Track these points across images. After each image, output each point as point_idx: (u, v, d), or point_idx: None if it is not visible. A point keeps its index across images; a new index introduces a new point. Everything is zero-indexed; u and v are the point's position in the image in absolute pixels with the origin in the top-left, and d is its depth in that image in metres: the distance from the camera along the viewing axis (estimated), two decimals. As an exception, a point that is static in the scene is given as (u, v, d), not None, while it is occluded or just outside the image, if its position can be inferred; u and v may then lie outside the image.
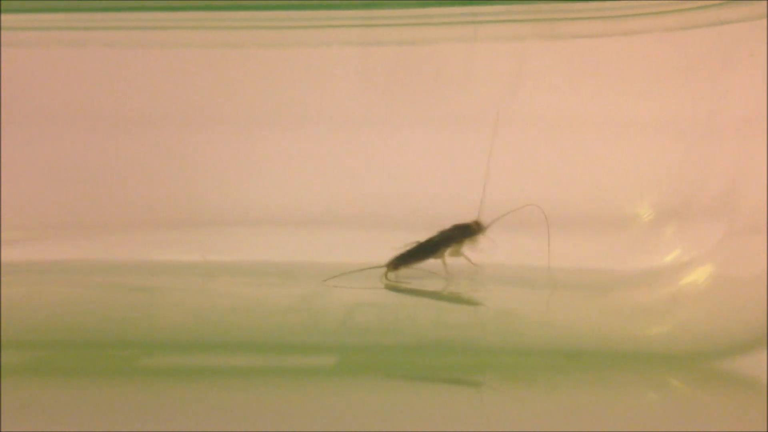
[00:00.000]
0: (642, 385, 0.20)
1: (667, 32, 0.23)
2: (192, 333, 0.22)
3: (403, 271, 0.24)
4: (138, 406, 0.19)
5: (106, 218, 0.25)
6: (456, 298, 0.24)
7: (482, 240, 0.25)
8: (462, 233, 0.24)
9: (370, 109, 0.25)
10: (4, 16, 0.23)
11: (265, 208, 0.26)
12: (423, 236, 0.24)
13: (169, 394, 0.19)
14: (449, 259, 0.24)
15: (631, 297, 0.23)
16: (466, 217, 0.24)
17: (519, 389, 0.19)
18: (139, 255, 0.25)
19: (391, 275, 0.24)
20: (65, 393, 0.19)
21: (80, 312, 0.22)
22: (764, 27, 0.22)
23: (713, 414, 0.19)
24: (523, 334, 0.21)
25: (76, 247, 0.24)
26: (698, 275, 0.22)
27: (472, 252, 0.24)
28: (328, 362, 0.20)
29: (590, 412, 0.18)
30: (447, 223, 0.24)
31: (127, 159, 0.26)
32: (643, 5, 0.23)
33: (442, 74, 0.25)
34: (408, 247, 0.24)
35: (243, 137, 0.26)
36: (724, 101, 0.23)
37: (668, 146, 0.24)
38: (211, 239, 0.25)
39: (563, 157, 0.24)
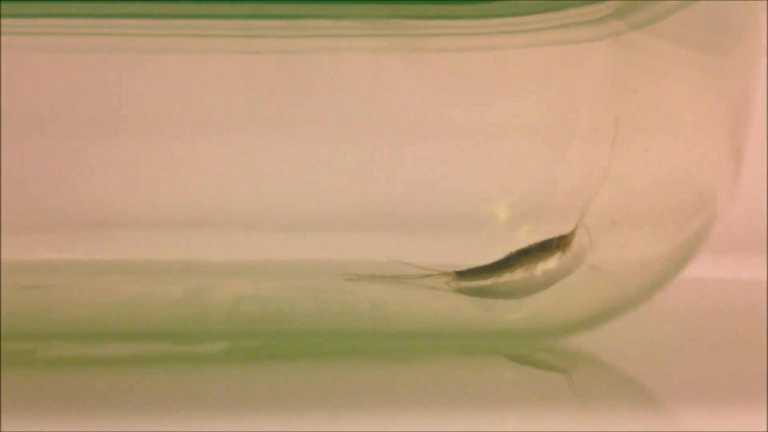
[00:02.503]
0: (498, 362, 0.24)
1: (522, 49, 0.27)
2: (86, 326, 0.24)
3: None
4: (39, 396, 0.21)
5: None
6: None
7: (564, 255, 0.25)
8: (539, 250, 0.26)
9: (252, 114, 0.27)
10: None
11: (149, 209, 0.28)
12: (302, 235, 0.27)
13: (68, 383, 0.22)
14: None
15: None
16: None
17: (389, 368, 0.23)
18: (26, 255, 0.27)
19: (455, 284, 0.26)
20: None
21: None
22: (607, 47, 0.26)
23: (561, 385, 0.23)
24: (394, 321, 0.25)
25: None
26: (549, 268, 0.26)
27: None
28: (219, 349, 0.24)
29: (453, 387, 0.22)
30: (328, 223, 0.27)
31: (13, 162, 0.27)
32: (500, 24, 0.27)
33: (316, 82, 0.28)
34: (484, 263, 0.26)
35: (127, 141, 0.28)
36: (573, 112, 0.27)
37: (523, 152, 0.27)
38: (96, 240, 0.27)
39: (427, 161, 0.27)
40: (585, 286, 0.25)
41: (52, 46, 0.26)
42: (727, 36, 0.27)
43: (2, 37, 0.26)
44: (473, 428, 0.20)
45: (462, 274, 0.26)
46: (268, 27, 0.27)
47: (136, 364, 0.23)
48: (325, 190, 0.28)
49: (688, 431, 0.21)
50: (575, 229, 0.26)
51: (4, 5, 0.25)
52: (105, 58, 0.27)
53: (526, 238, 0.27)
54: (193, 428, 0.19)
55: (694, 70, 0.27)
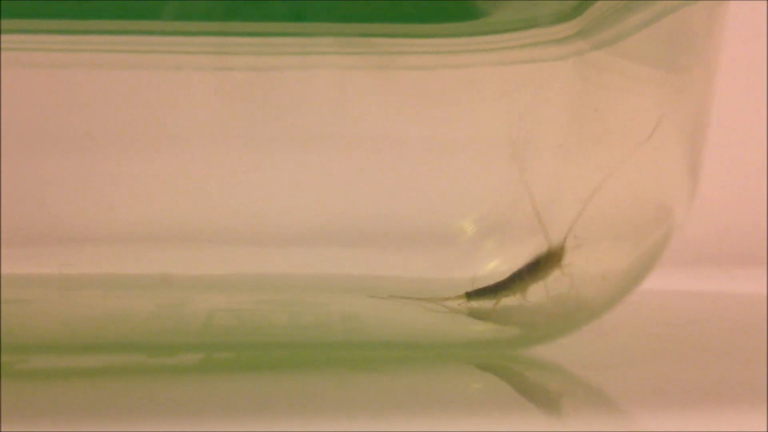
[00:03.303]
0: (466, 371, 0.25)
1: (489, 67, 0.28)
2: (62, 339, 0.25)
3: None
4: (17, 408, 0.22)
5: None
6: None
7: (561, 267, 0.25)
8: (537, 264, 0.26)
9: (225, 129, 0.28)
10: None
11: (123, 224, 0.28)
12: (275, 250, 0.28)
13: (46, 395, 0.23)
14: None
15: (457, 301, 0.27)
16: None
17: (361, 378, 0.24)
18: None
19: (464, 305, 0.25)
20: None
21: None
22: (570, 66, 0.28)
23: (526, 393, 0.25)
24: (365, 333, 0.26)
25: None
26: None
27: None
28: (194, 360, 0.25)
29: (422, 396, 0.24)
30: (299, 237, 0.28)
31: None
32: (468, 43, 0.28)
33: (287, 99, 0.29)
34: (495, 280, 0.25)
35: (100, 156, 0.28)
36: (539, 128, 0.28)
37: (490, 168, 0.28)
38: (70, 254, 0.28)
39: (398, 177, 0.28)
40: (550, 301, 0.26)
41: (21, 61, 0.27)
42: (686, 54, 0.28)
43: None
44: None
45: (471, 295, 0.26)
46: (240, 44, 0.27)
47: (111, 376, 0.24)
48: (295, 205, 0.29)
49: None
50: (564, 242, 0.26)
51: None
52: (76, 73, 0.28)
53: (492, 251, 0.28)
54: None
55: (653, 88, 0.28)
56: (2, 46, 0.26)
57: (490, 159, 0.28)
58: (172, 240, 0.28)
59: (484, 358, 0.26)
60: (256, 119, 0.28)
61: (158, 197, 0.29)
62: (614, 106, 0.28)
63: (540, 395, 0.25)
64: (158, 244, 0.28)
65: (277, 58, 0.28)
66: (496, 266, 0.28)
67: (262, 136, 0.28)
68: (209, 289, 0.27)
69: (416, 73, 0.28)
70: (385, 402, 0.23)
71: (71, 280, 0.27)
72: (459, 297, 0.26)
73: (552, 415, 0.23)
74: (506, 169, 0.28)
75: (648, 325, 0.32)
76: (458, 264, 0.28)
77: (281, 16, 0.27)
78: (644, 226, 0.27)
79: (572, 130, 0.28)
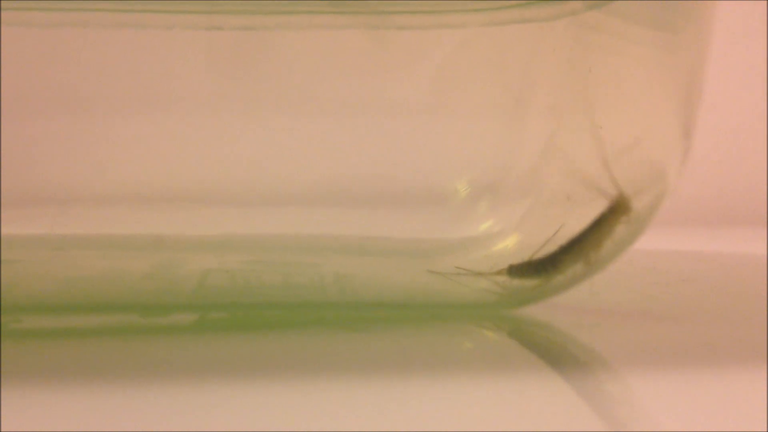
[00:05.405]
0: (459, 331, 0.26)
1: (483, 27, 0.28)
2: (56, 299, 0.25)
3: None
4: (9, 367, 0.22)
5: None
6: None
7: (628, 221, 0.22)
8: (603, 216, 0.22)
9: (218, 89, 0.28)
10: None
11: (117, 185, 0.28)
12: (267, 210, 0.28)
13: (38, 355, 0.23)
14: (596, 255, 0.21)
15: (451, 261, 0.28)
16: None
17: (353, 337, 0.24)
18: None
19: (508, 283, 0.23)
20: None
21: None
22: (564, 26, 0.28)
23: (517, 352, 0.25)
24: (357, 293, 0.26)
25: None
26: (507, 242, 0.28)
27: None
28: (187, 321, 0.25)
29: (414, 355, 0.24)
30: (292, 198, 0.28)
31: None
32: (461, 4, 0.28)
33: (278, 59, 0.29)
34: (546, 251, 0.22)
35: (93, 117, 0.28)
36: (530, 91, 0.29)
37: (483, 130, 0.29)
38: (65, 215, 0.28)
39: (391, 138, 0.28)
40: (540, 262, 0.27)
41: (10, 21, 0.27)
42: (681, 14, 0.28)
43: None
44: (434, 394, 0.21)
45: (513, 271, 0.25)
46: (232, 3, 0.27)
47: (105, 336, 0.25)
48: (288, 166, 0.29)
49: (638, 394, 0.22)
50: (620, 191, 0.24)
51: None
52: (67, 32, 0.27)
53: (485, 212, 0.28)
54: (162, 398, 0.20)
55: (647, 48, 0.28)
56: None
57: (483, 120, 0.29)
58: (165, 201, 0.28)
59: (476, 318, 0.27)
60: (248, 79, 0.28)
61: (152, 158, 0.29)
62: (607, 66, 0.28)
63: (532, 355, 0.25)
64: (151, 205, 0.28)
65: (269, 18, 0.28)
66: (489, 226, 0.28)
67: (255, 97, 0.28)
68: (203, 250, 0.27)
69: (409, 34, 0.28)
70: (378, 361, 0.23)
71: (64, 241, 0.28)
72: (500, 272, 0.25)
73: (543, 374, 0.23)
74: (499, 130, 0.29)
75: (640, 284, 0.32)
76: (451, 224, 0.28)
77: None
78: (638, 187, 0.27)
79: (566, 91, 0.28)
